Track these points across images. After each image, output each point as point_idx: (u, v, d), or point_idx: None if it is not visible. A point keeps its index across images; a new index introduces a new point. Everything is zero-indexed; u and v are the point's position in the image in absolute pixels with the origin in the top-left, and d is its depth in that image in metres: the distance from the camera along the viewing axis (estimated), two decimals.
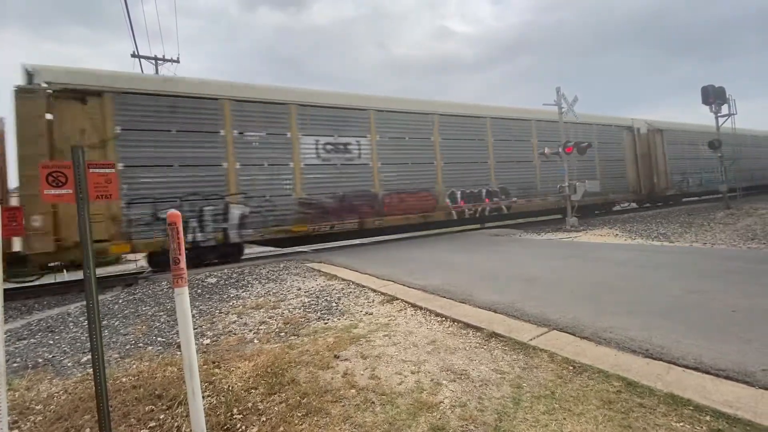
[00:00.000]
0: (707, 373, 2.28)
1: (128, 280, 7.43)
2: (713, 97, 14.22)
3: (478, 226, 13.01)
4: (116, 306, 5.34)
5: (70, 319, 4.94)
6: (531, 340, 3.01)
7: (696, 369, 2.34)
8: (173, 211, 2.12)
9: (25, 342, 4.15)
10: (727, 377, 2.21)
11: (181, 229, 2.12)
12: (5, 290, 7.52)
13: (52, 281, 7.85)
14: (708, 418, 1.89)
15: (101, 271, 8.74)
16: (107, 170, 2.32)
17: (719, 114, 14.60)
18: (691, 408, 1.97)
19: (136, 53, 17.83)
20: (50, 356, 3.65)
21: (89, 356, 2.92)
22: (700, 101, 14.36)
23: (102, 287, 6.89)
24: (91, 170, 2.25)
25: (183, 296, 2.07)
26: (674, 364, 2.43)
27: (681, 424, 1.87)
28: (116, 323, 4.56)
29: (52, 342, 4.08)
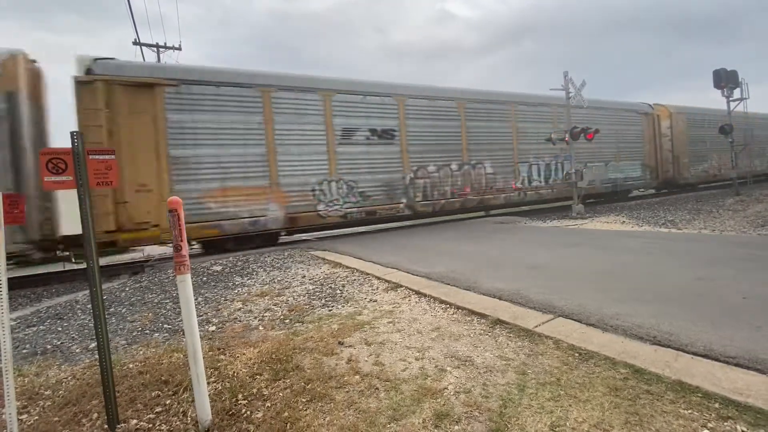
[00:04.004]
0: (717, 360, 2.25)
1: (135, 268, 7.50)
2: (725, 80, 13.84)
3: (482, 213, 12.94)
4: (123, 294, 5.39)
5: (78, 306, 4.99)
6: (536, 326, 2.98)
7: (705, 356, 2.30)
8: (174, 198, 2.10)
9: (34, 329, 4.21)
10: (737, 364, 2.18)
11: (182, 216, 2.10)
12: (15, 278, 7.53)
13: (61, 269, 7.94)
14: (717, 405, 1.86)
15: (108, 260, 8.84)
16: (107, 157, 2.29)
17: (731, 98, 14.25)
18: (699, 395, 1.94)
19: (137, 41, 17.70)
20: (59, 343, 3.69)
21: (96, 343, 2.95)
22: (704, 87, 14.13)
23: (109, 275, 6.97)
24: (90, 157, 2.23)
25: (185, 283, 2.07)
26: (683, 351, 2.39)
27: (689, 411, 1.84)
28: (123, 310, 4.60)
29: (60, 329, 4.13)
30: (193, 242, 8.51)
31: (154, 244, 8.03)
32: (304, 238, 10.65)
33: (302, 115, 9.05)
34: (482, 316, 3.35)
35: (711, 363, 2.23)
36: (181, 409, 2.28)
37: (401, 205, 10.38)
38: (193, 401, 2.18)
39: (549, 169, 13.27)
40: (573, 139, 11.14)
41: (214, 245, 8.53)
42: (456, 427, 1.89)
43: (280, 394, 2.34)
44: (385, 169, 10.15)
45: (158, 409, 2.30)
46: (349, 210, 9.62)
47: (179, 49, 19.25)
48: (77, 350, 3.47)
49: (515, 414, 1.94)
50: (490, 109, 12.07)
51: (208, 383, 2.45)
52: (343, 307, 4.02)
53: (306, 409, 2.15)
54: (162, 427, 2.14)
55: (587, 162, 13.55)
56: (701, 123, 17.43)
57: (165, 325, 3.94)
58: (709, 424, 1.74)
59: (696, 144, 17.15)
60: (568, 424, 1.83)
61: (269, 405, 2.24)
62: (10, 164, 6.63)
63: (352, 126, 9.69)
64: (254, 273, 6.09)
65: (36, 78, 7.31)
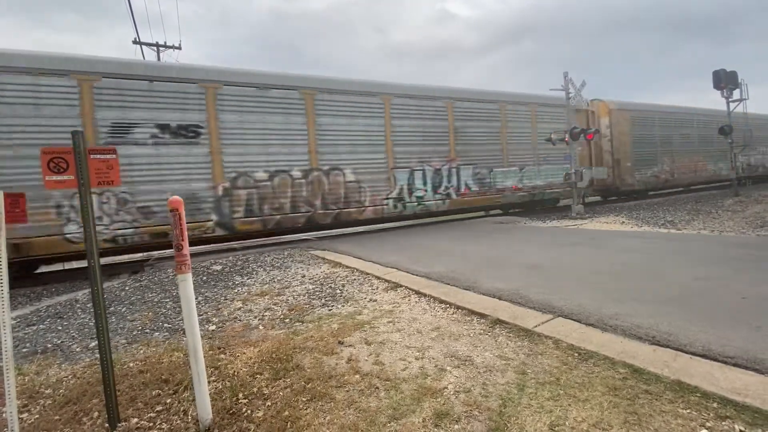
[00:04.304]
0: (715, 360, 2.26)
1: (134, 267, 7.50)
2: (725, 81, 13.86)
3: (482, 213, 12.97)
4: (123, 293, 5.39)
5: (78, 305, 4.99)
6: (536, 326, 2.99)
7: (704, 356, 2.31)
8: (175, 197, 2.10)
9: (34, 328, 4.21)
10: (735, 364, 2.19)
11: (183, 215, 2.10)
12: (16, 277, 7.51)
13: (60, 268, 7.93)
14: (715, 405, 1.87)
15: (107, 260, 8.82)
16: (108, 156, 2.30)
17: (731, 99, 14.28)
18: (698, 395, 1.96)
19: (137, 40, 17.70)
20: (59, 342, 3.70)
21: (97, 341, 2.95)
22: (704, 87, 14.01)
23: (108, 274, 6.96)
24: (92, 156, 2.23)
25: (186, 282, 2.07)
26: (682, 351, 2.40)
27: (688, 410, 1.85)
28: (123, 310, 4.60)
29: (60, 328, 4.13)
30: None
31: None
32: (303, 237, 10.66)
33: (43, 107, 6.72)
34: (482, 315, 3.36)
35: (710, 363, 2.24)
36: (181, 408, 2.28)
37: (209, 224, 7.91)
38: (193, 400, 2.19)
39: (439, 176, 10.81)
40: (573, 140, 11.16)
41: None
42: (456, 427, 1.90)
43: (281, 393, 2.34)
44: (183, 177, 7.72)
45: (159, 408, 2.31)
46: (121, 232, 7.18)
47: (179, 48, 19.27)
48: (77, 349, 3.47)
49: (515, 413, 1.95)
50: (353, 102, 9.58)
51: (209, 382, 2.46)
52: (343, 306, 4.03)
53: (306, 408, 2.16)
54: (163, 426, 2.14)
55: (493, 167, 11.69)
56: (649, 122, 15.59)
57: (165, 324, 3.94)
58: (708, 424, 1.75)
59: (642, 146, 15.24)
60: (567, 423, 1.84)
61: (269, 404, 2.24)
62: None
63: (129, 121, 7.30)
64: (254, 272, 6.10)
65: None
